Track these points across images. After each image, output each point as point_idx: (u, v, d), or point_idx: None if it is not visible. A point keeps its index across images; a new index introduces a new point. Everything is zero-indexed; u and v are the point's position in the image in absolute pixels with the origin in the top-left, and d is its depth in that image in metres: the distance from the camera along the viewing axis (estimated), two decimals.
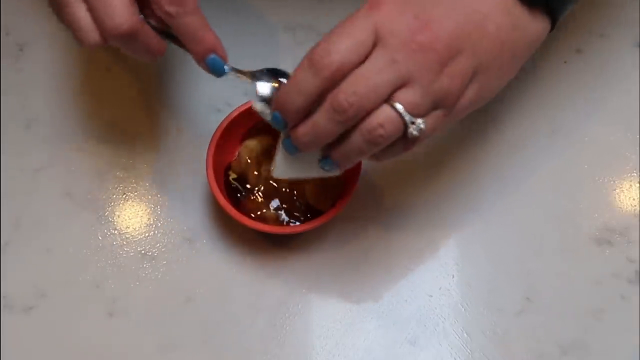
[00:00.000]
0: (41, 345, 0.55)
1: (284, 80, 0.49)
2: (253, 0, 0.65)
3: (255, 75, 0.49)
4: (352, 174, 0.55)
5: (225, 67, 0.48)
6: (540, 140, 0.61)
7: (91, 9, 0.45)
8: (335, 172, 0.48)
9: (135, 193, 0.60)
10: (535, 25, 0.46)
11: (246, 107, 0.56)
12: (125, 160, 0.60)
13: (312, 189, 0.56)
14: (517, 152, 0.60)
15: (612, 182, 0.60)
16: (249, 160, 0.58)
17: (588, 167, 0.60)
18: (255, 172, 0.57)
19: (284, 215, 0.56)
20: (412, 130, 0.43)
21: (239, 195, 0.57)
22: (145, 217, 0.59)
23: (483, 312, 0.56)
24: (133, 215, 0.59)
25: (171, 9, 0.45)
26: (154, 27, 0.47)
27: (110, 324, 0.55)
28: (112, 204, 0.59)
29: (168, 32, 0.48)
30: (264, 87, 0.49)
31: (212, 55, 0.47)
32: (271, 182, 0.57)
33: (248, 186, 0.57)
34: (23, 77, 0.63)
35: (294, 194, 0.57)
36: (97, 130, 0.61)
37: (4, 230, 0.58)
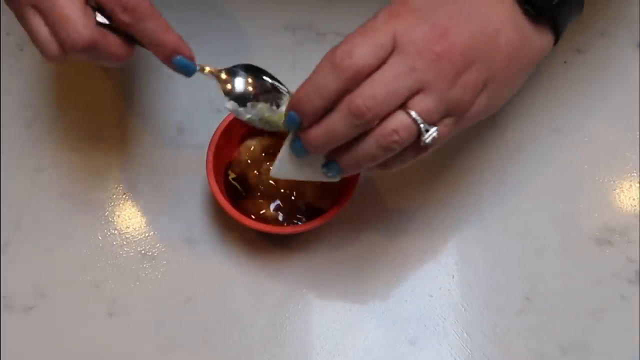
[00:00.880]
0: (41, 345, 0.55)
1: (268, 79, 0.49)
2: (253, 0, 0.65)
3: (231, 72, 0.49)
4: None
5: (196, 66, 0.49)
6: (540, 140, 0.61)
7: (48, 24, 0.45)
8: (336, 178, 0.48)
9: (135, 193, 0.60)
10: (541, 40, 0.47)
11: None
12: (125, 160, 0.60)
13: (313, 187, 0.56)
14: (517, 152, 0.60)
15: (612, 182, 0.60)
16: (249, 160, 0.58)
17: (588, 167, 0.60)
18: (255, 172, 0.57)
19: (284, 215, 0.56)
20: (426, 138, 0.44)
21: (239, 195, 0.57)
22: (145, 217, 0.59)
23: (483, 312, 0.56)
24: (133, 215, 0.59)
25: (125, 17, 0.45)
26: (122, 31, 0.47)
27: (110, 324, 0.55)
28: (112, 204, 0.59)
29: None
30: (239, 83, 0.49)
31: (178, 57, 0.47)
32: (271, 182, 0.57)
33: (248, 186, 0.57)
34: (23, 77, 0.63)
35: (294, 194, 0.57)
36: (97, 130, 0.61)
37: (4, 230, 0.58)
